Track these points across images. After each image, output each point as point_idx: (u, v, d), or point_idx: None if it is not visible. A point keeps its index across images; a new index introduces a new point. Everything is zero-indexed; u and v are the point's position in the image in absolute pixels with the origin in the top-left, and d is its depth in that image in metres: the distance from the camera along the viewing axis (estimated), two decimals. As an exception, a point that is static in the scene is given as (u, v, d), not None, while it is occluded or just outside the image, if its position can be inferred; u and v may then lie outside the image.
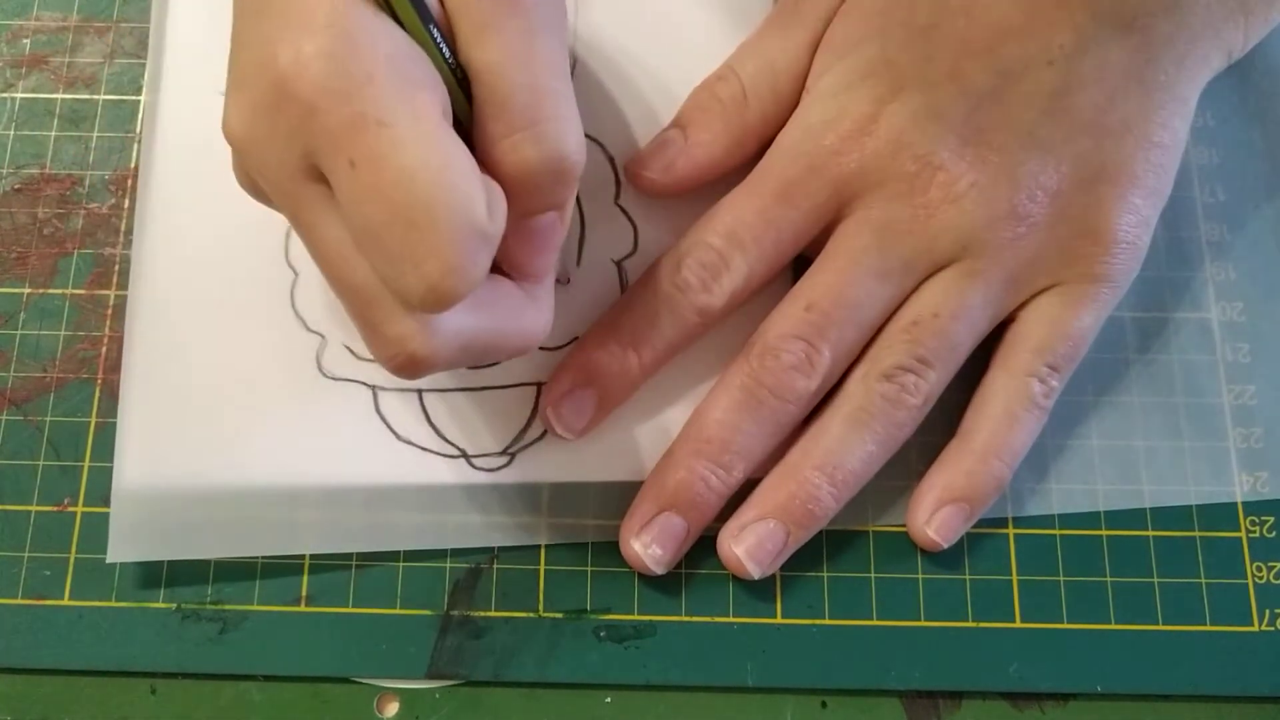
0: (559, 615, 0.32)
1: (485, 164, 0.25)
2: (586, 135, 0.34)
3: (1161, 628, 0.32)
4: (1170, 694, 0.31)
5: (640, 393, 0.32)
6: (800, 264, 0.32)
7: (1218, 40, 0.32)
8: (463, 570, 0.32)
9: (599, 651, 0.31)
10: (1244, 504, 0.33)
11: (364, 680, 0.31)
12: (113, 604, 0.31)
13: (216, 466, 0.32)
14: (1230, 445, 0.33)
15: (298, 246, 0.33)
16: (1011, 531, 0.33)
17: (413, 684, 0.31)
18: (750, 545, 0.31)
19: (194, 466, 0.32)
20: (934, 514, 0.31)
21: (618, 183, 0.34)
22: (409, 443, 0.32)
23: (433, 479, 0.32)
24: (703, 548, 0.32)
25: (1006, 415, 0.31)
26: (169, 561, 0.32)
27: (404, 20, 0.24)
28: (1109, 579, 0.32)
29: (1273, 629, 0.32)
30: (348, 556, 0.32)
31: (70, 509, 0.32)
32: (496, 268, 0.27)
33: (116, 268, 0.34)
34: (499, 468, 0.32)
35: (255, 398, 0.32)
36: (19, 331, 0.34)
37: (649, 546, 0.31)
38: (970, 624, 0.32)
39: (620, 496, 0.32)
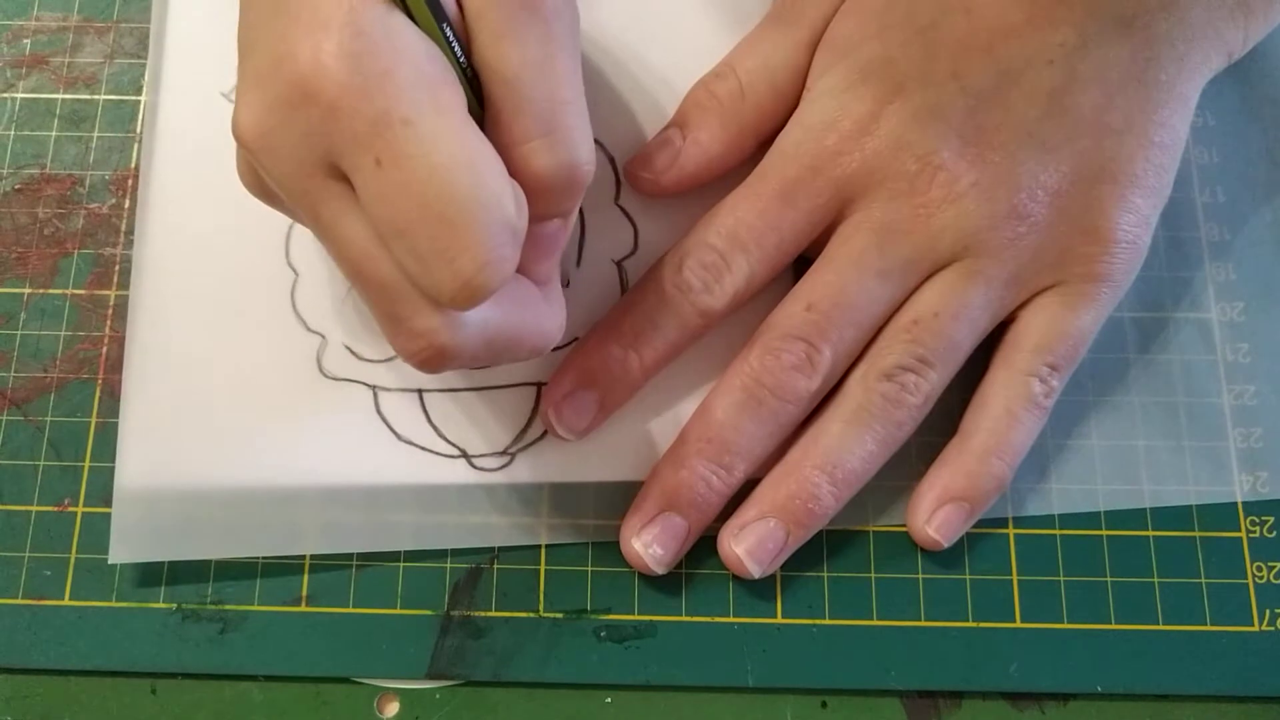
0: (559, 615, 0.32)
1: None
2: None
3: (1161, 628, 0.32)
4: (1170, 694, 0.31)
5: (641, 393, 0.32)
6: (801, 264, 0.32)
7: (1218, 40, 0.32)
8: (463, 570, 0.32)
9: (599, 651, 0.31)
10: (1244, 504, 0.33)
11: (364, 680, 0.31)
12: (113, 604, 0.31)
13: (217, 467, 0.32)
14: (1230, 445, 0.33)
15: (298, 247, 0.33)
16: (1011, 531, 0.33)
17: (413, 684, 0.31)
18: (751, 544, 0.31)
19: (195, 467, 0.32)
20: (934, 513, 0.31)
21: (618, 183, 0.34)
22: (409, 443, 0.32)
23: (433, 479, 0.32)
24: (703, 548, 0.32)
25: (1007, 415, 0.31)
26: (169, 561, 0.32)
27: (418, 18, 0.24)
28: (1109, 579, 0.32)
29: (1273, 629, 0.32)
30: (348, 556, 0.32)
31: (70, 509, 0.32)
32: None
33: (116, 268, 0.34)
34: (499, 468, 0.32)
35: (256, 398, 0.32)
36: (19, 331, 0.34)
37: (650, 546, 0.31)
38: (970, 624, 0.32)
39: (620, 496, 0.32)
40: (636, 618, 0.32)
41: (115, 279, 0.34)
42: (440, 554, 0.32)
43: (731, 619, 0.32)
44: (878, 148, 0.31)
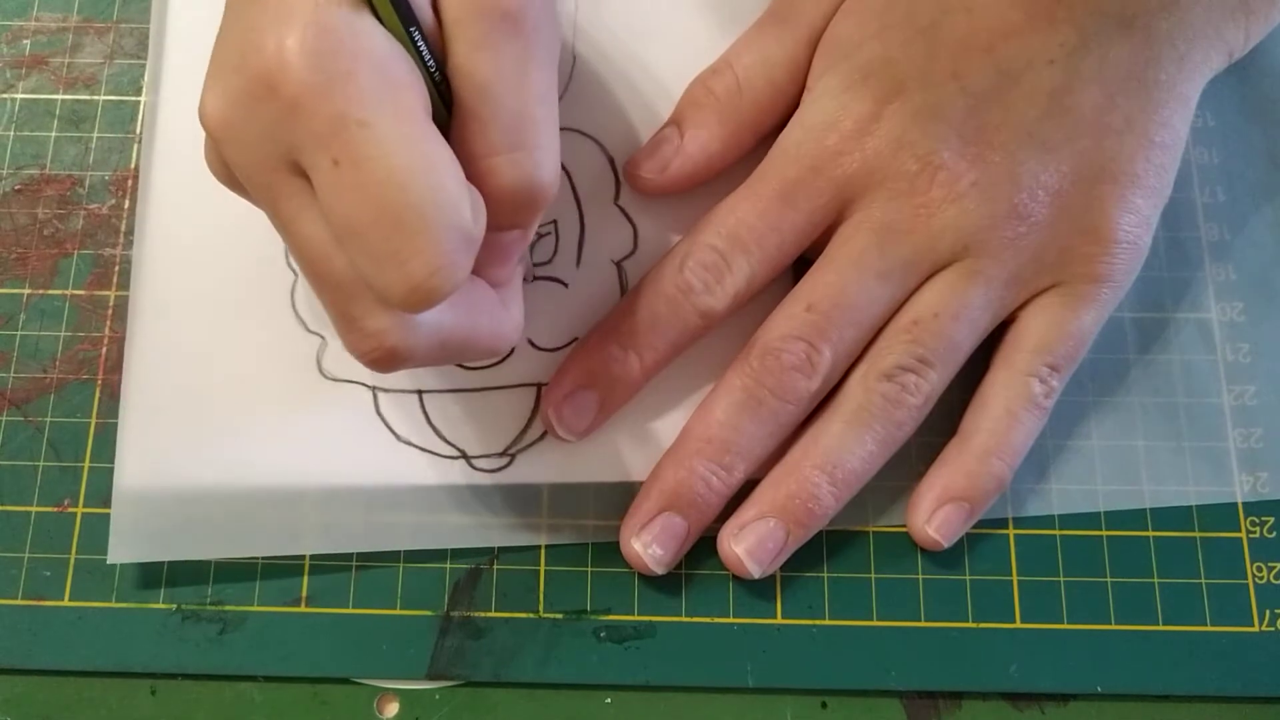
0: (559, 616, 0.32)
1: None
2: (586, 135, 0.34)
3: (1161, 628, 0.32)
4: (1170, 694, 0.31)
5: (641, 393, 0.32)
6: (800, 264, 0.32)
7: (1219, 40, 0.32)
8: (463, 570, 0.32)
9: (599, 652, 0.31)
10: (1244, 504, 0.33)
11: (364, 680, 0.31)
12: (113, 604, 0.31)
13: (217, 467, 0.32)
14: (1230, 445, 0.33)
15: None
16: (1011, 531, 0.33)
17: (413, 684, 0.31)
18: (751, 544, 0.31)
19: (194, 467, 0.32)
20: (934, 513, 0.31)
21: (617, 183, 0.34)
22: (409, 443, 0.32)
23: (433, 480, 0.32)
24: (703, 548, 0.32)
25: (1007, 415, 0.31)
26: (169, 562, 0.32)
27: (386, 20, 0.24)
28: (1109, 579, 0.32)
29: (1273, 629, 0.32)
30: (348, 557, 0.32)
31: (70, 509, 0.32)
32: None
33: (116, 268, 0.34)
34: (499, 468, 0.32)
35: (255, 399, 0.32)
36: (19, 332, 0.34)
37: (649, 546, 0.31)
38: (970, 624, 0.32)
39: (620, 497, 0.32)
40: (636, 618, 0.32)
41: (115, 279, 0.34)
42: (440, 554, 0.32)
43: (731, 619, 0.32)
44: (878, 148, 0.31)
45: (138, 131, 0.36)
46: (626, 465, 0.32)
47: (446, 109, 0.25)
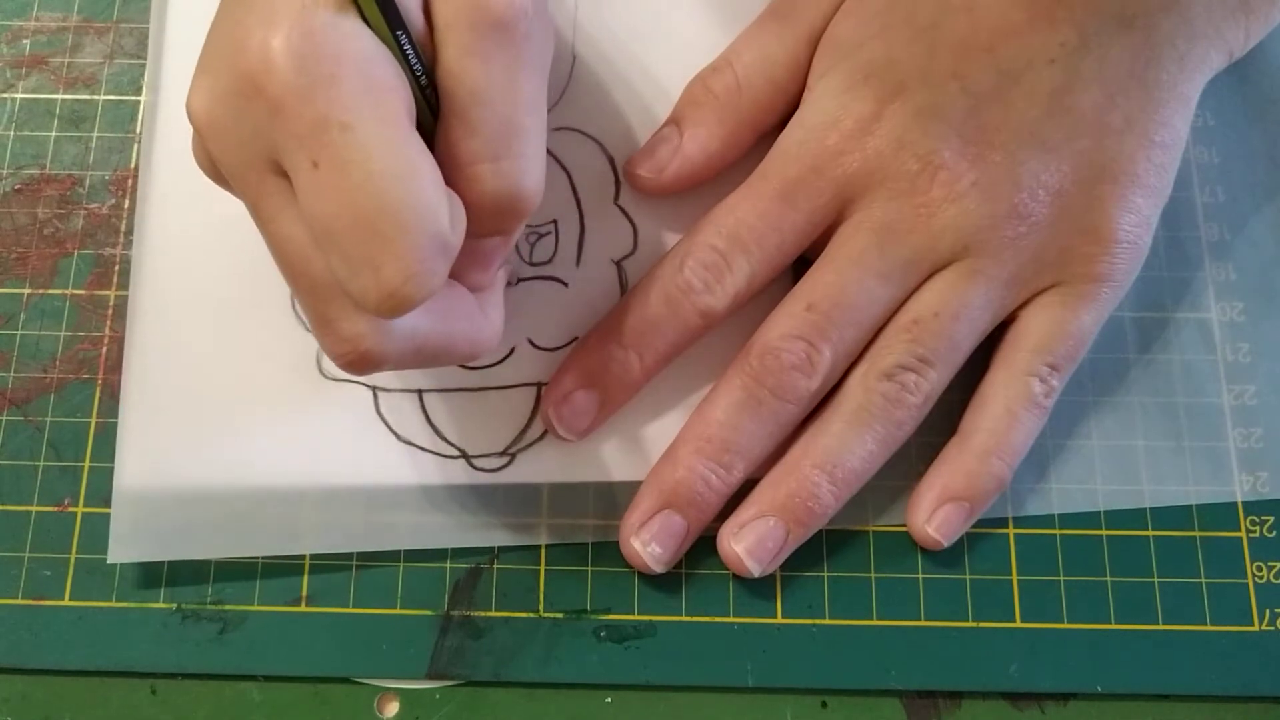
0: (559, 615, 0.32)
1: (445, 181, 0.25)
2: (587, 135, 0.34)
3: (1161, 628, 0.32)
4: (1170, 694, 0.31)
5: (641, 393, 0.32)
6: (800, 264, 0.32)
7: (1219, 39, 0.32)
8: (463, 570, 0.32)
9: (599, 651, 0.31)
10: (1244, 504, 0.33)
11: (364, 680, 0.31)
12: (113, 604, 0.31)
13: (217, 467, 0.32)
14: (1230, 445, 0.33)
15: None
16: (1011, 531, 0.33)
17: (413, 684, 0.31)
18: (750, 543, 0.31)
19: (194, 467, 0.32)
20: (934, 512, 0.31)
21: (617, 183, 0.34)
22: (409, 443, 0.32)
23: (433, 479, 0.32)
24: (702, 547, 0.32)
25: (1007, 414, 0.31)
26: (169, 561, 0.32)
27: (372, 23, 0.23)
28: (1109, 579, 0.32)
29: (1273, 629, 0.32)
30: (348, 556, 0.32)
31: (70, 509, 0.32)
32: None
33: (116, 268, 0.34)
34: (499, 468, 0.32)
35: (255, 398, 0.32)
36: (19, 332, 0.34)
37: (648, 544, 0.31)
38: (970, 624, 0.32)
39: (620, 496, 0.32)
40: (636, 618, 0.32)
41: (115, 279, 0.34)
42: (440, 554, 0.32)
43: (731, 619, 0.32)
44: (879, 147, 0.31)
45: (138, 131, 0.36)
46: (626, 465, 0.32)
47: (433, 114, 0.25)
